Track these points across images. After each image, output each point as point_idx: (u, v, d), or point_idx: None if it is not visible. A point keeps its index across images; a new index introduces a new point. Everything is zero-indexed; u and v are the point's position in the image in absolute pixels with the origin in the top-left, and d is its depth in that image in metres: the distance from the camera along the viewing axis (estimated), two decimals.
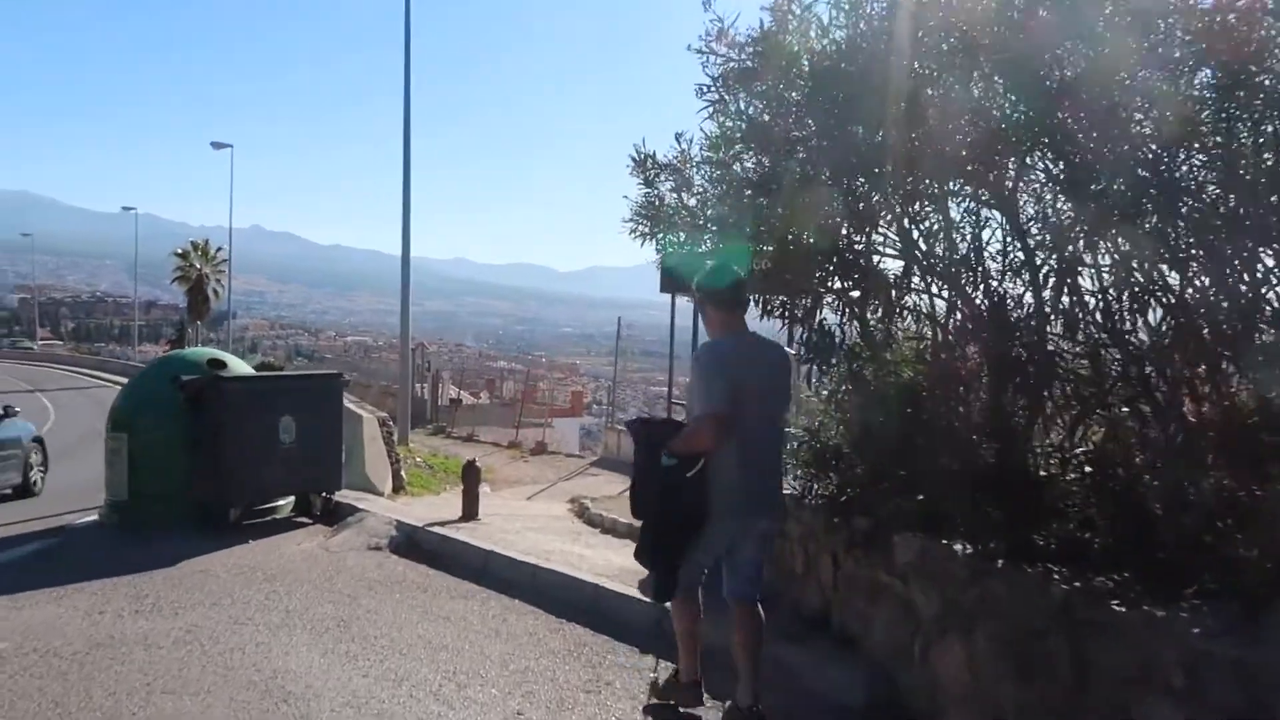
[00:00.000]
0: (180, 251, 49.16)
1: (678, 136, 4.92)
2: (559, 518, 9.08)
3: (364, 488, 9.19)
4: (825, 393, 4.89)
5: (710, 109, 4.65)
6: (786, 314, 4.79)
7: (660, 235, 5.08)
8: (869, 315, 4.66)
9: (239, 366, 8.97)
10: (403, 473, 10.32)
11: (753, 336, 3.92)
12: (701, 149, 4.86)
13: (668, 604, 3.93)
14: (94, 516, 8.29)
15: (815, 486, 4.78)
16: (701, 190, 4.97)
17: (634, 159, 5.04)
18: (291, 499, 8.38)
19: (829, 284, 4.66)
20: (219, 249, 48.28)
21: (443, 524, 7.45)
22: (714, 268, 3.95)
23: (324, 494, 8.36)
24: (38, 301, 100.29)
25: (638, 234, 5.10)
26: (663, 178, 5.04)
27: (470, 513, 7.74)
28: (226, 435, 7.64)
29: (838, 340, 4.61)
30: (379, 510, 8.00)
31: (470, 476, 7.68)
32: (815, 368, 4.63)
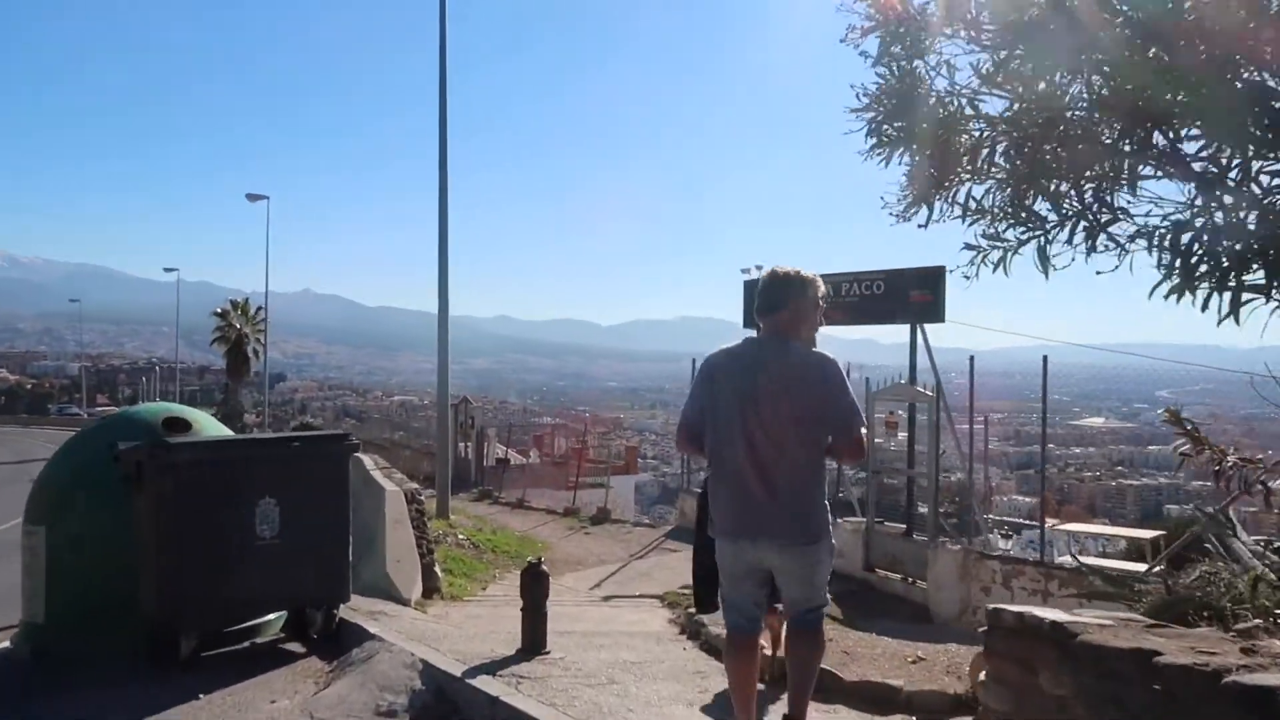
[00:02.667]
0: (220, 311, 47.83)
1: None
2: (659, 637, 6.32)
3: (384, 592, 6.67)
4: None
5: None
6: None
7: (919, 128, 2.69)
8: None
9: (209, 427, 6.49)
10: (437, 568, 7.70)
11: (772, 343, 3.56)
12: None
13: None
14: (6, 643, 5.89)
15: None
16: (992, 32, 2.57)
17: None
18: (281, 614, 5.89)
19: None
20: (259, 308, 47.03)
21: (494, 664, 4.82)
22: None
23: (325, 607, 5.82)
24: (94, 369, 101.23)
25: (875, 132, 2.67)
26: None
27: (535, 643, 5.11)
28: (174, 528, 5.17)
29: None
30: (400, 634, 5.44)
31: (535, 589, 5.04)
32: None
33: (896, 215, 3.57)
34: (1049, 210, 3.00)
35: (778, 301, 3.55)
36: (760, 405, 3.44)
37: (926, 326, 11.07)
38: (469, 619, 6.62)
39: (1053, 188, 2.93)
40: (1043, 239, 3.00)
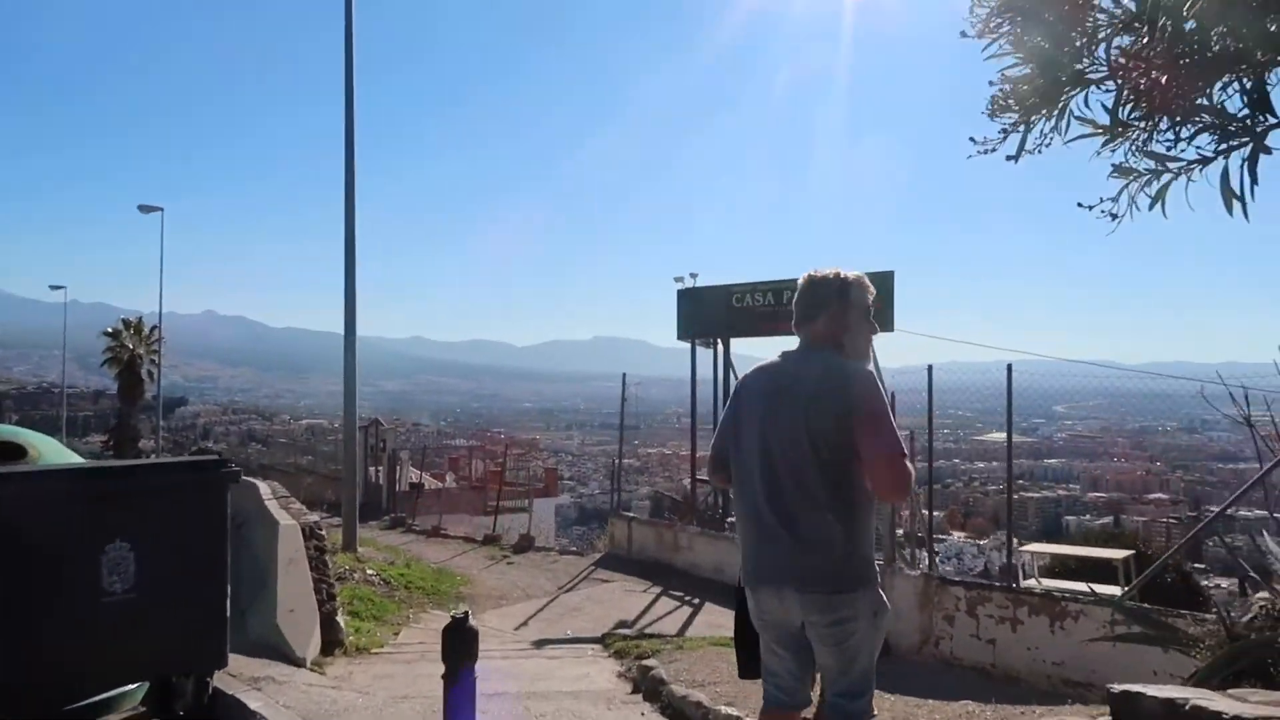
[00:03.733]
0: (110, 330, 44.98)
1: None
2: (610, 698, 5.23)
3: (273, 649, 5.53)
4: None
5: None
6: None
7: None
8: None
9: (51, 455, 5.29)
10: (339, 617, 6.53)
11: (799, 357, 3.06)
12: None
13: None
14: None
15: None
16: None
17: None
18: (142, 685, 4.74)
19: None
20: (154, 327, 44.39)
21: None
22: None
23: (195, 675, 4.69)
24: None
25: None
26: None
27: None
28: None
29: None
30: (289, 709, 4.36)
31: (460, 651, 4.01)
32: None
33: (982, 148, 2.75)
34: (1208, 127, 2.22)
35: (810, 310, 3.09)
36: (780, 428, 2.93)
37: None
38: (378, 680, 5.52)
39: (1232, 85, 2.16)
40: (1250, 149, 2.19)
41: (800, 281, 3.16)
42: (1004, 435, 10.65)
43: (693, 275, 13.93)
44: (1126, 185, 2.49)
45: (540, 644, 7.67)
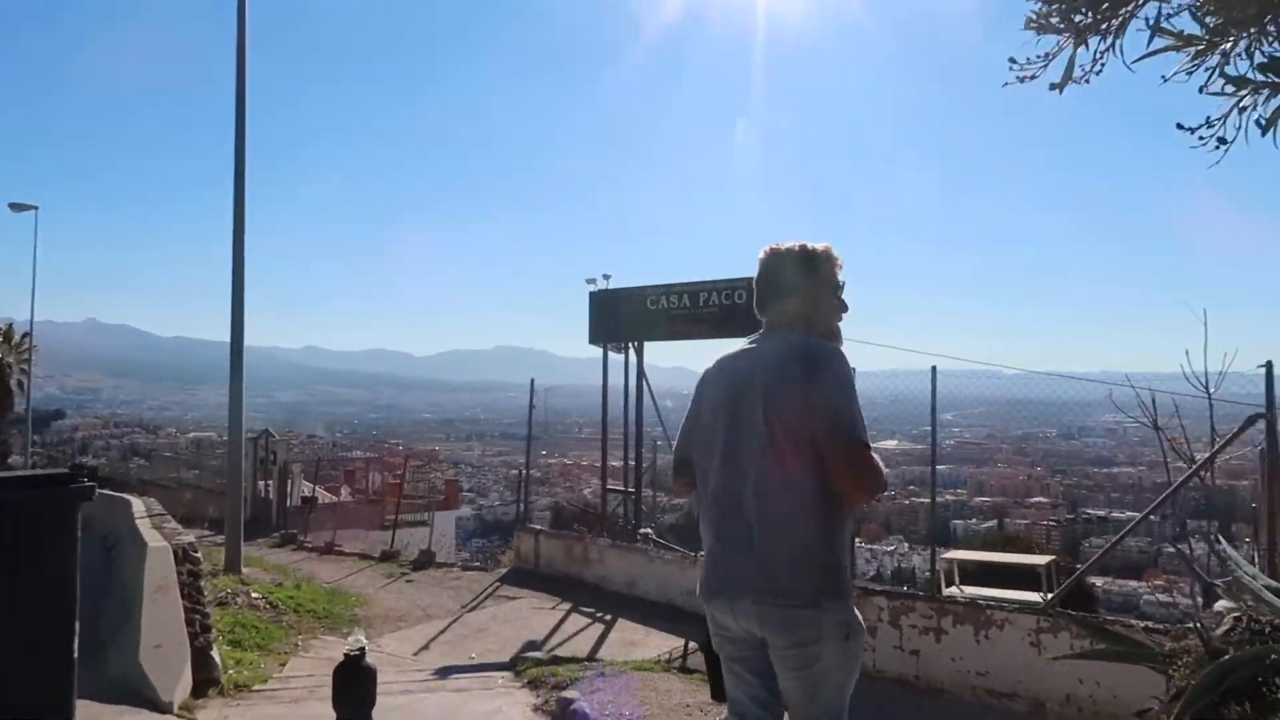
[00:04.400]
0: None
1: None
2: None
3: (135, 690, 4.81)
4: None
5: None
6: None
7: None
8: None
9: None
10: (215, 651, 5.75)
11: (760, 341, 2.68)
12: None
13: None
14: None
15: None
16: None
17: None
18: None
19: None
20: (25, 334, 41.49)
21: None
22: None
23: None
24: None
25: None
26: None
27: None
28: None
29: None
30: None
31: (353, 693, 3.41)
32: None
33: (1021, 73, 2.36)
34: None
35: (775, 290, 2.72)
36: (740, 421, 2.57)
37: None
38: None
39: None
40: None
41: (761, 257, 2.77)
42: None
43: (606, 277, 13.40)
44: (1238, 102, 2.11)
45: (444, 673, 7.04)
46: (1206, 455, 7.34)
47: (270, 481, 22.48)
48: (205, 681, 5.42)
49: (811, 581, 2.43)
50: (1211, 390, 8.01)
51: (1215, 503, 8.04)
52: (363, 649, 3.47)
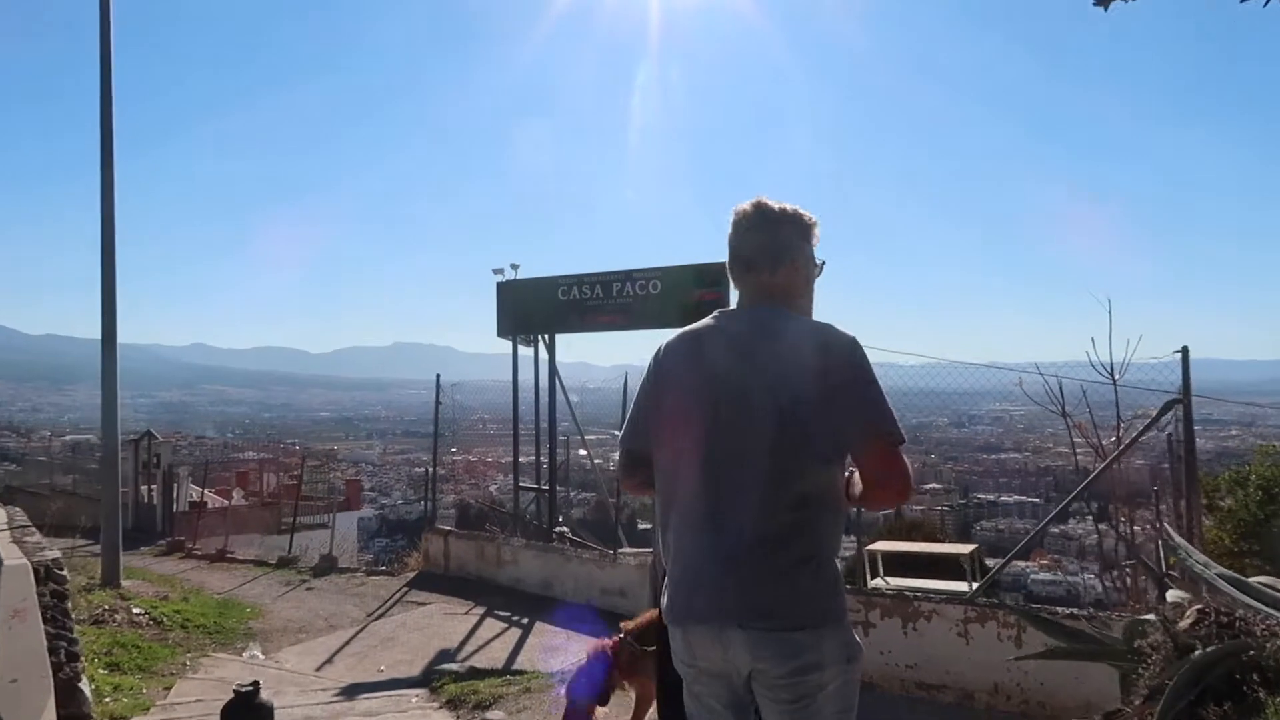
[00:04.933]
0: None
1: None
2: None
3: None
4: None
5: None
6: None
7: None
8: None
9: None
10: (84, 683, 5.11)
11: (758, 316, 2.28)
12: None
13: None
14: None
15: None
16: None
17: None
18: None
19: None
20: None
21: None
22: None
23: None
24: None
25: None
26: None
27: None
28: None
29: None
30: None
31: None
32: None
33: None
34: None
35: (766, 254, 2.33)
36: (736, 410, 2.20)
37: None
38: None
39: None
40: None
41: (745, 212, 2.38)
42: None
43: (514, 267, 12.91)
44: None
45: (351, 692, 6.49)
46: (1127, 441, 7.38)
47: (154, 486, 21.25)
48: (72, 718, 4.81)
49: (812, 600, 2.13)
50: (1117, 377, 8.08)
51: (1114, 488, 8.13)
52: (256, 685, 3.02)
